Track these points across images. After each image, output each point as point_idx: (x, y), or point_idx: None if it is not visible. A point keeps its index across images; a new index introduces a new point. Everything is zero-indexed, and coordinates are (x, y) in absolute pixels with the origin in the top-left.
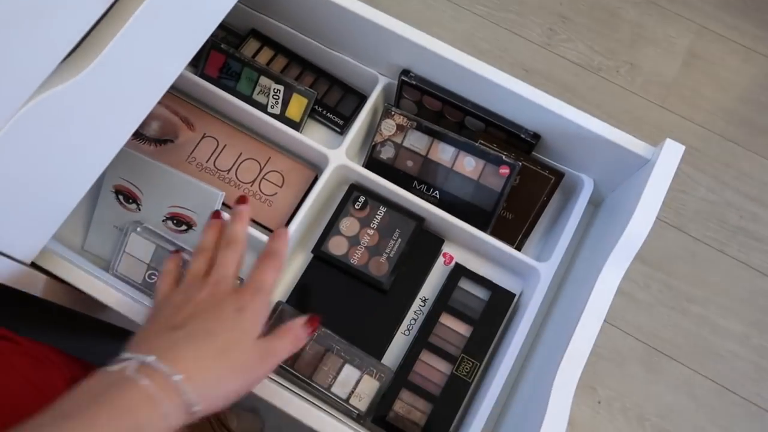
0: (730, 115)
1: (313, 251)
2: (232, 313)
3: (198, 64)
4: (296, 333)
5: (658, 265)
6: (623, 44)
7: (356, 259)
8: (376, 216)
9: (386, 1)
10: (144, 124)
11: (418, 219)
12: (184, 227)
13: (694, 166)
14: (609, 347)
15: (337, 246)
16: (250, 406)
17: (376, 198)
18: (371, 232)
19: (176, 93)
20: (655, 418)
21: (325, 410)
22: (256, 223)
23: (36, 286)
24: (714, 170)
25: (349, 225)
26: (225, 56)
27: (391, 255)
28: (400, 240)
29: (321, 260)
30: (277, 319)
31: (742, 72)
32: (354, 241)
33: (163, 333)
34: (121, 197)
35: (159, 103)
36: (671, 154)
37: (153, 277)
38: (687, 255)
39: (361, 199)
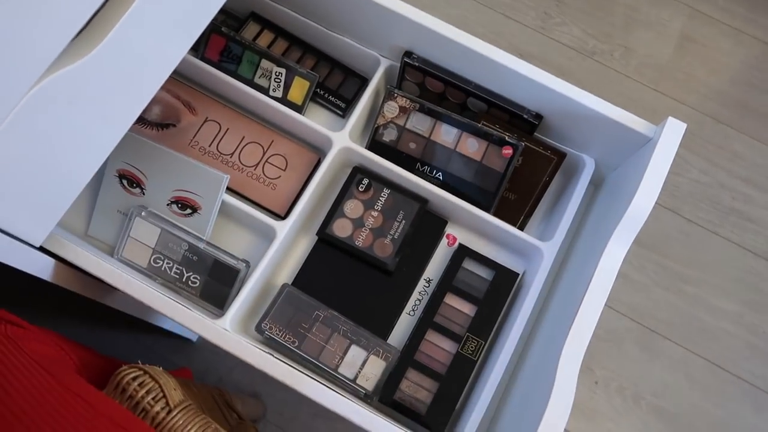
0: (722, 97)
1: (317, 234)
2: None
3: (198, 48)
4: None
5: (653, 247)
6: (617, 28)
7: (361, 241)
8: (380, 198)
9: None
10: (146, 108)
11: (422, 200)
12: (188, 211)
13: (688, 148)
14: (605, 328)
15: (341, 228)
16: (251, 392)
17: (379, 180)
18: (375, 214)
19: (178, 77)
20: (650, 397)
21: (331, 389)
22: (260, 206)
23: (46, 270)
24: (707, 152)
25: (353, 207)
26: (226, 39)
27: (395, 236)
28: (404, 221)
29: (325, 243)
30: (283, 300)
31: (733, 54)
32: (358, 223)
33: None
34: (125, 182)
35: (160, 87)
36: (673, 131)
37: (158, 261)
38: (681, 236)
39: (365, 181)
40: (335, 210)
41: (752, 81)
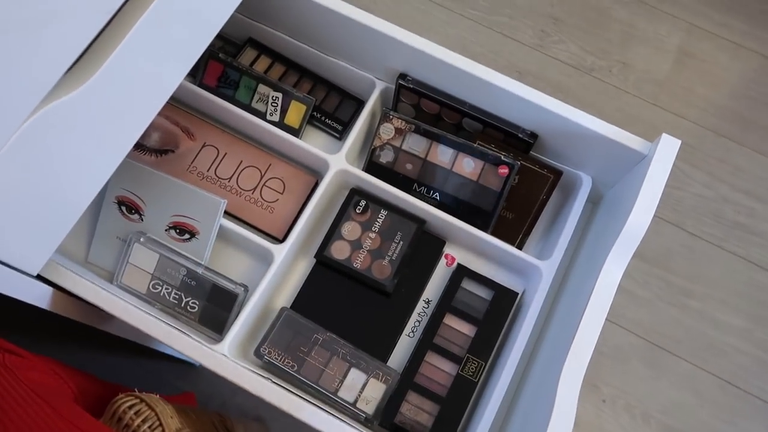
0: (722, 111)
1: (315, 256)
2: None
3: (196, 74)
4: None
5: (656, 262)
6: (614, 44)
7: (359, 263)
8: (378, 219)
9: (379, 7)
10: (144, 135)
11: (419, 221)
12: (187, 236)
13: (689, 163)
14: (610, 345)
15: (339, 250)
16: (255, 415)
17: (376, 201)
18: (373, 235)
19: (176, 103)
20: (659, 415)
21: (333, 414)
22: (258, 230)
23: (43, 298)
24: (708, 166)
25: (350, 229)
26: (223, 65)
27: (393, 258)
28: (401, 242)
29: (324, 265)
30: (282, 324)
31: (732, 68)
32: (356, 245)
33: None
34: (123, 208)
35: (159, 113)
36: (668, 147)
37: (157, 287)
38: (685, 251)
39: (362, 203)
40: (333, 232)
41: (751, 94)
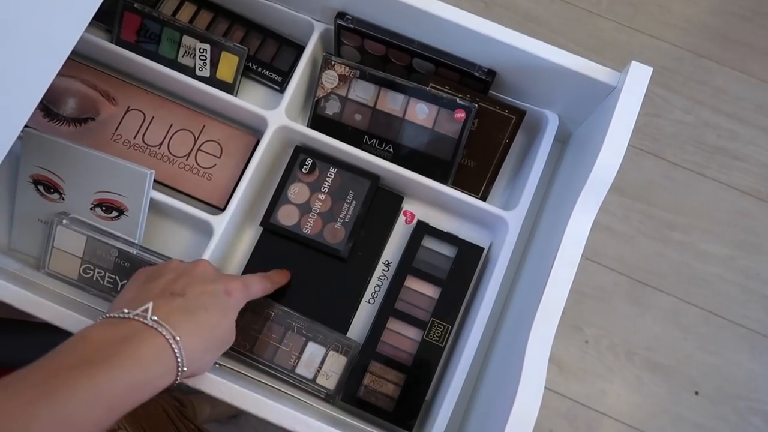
0: (700, 29)
1: (261, 224)
2: (222, 294)
3: (112, 29)
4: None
5: (637, 195)
6: None
7: (309, 228)
8: (326, 179)
9: None
10: (59, 102)
11: (373, 177)
12: (114, 213)
13: (668, 88)
14: (592, 285)
15: (287, 216)
16: None
17: (324, 159)
18: (322, 197)
19: (92, 64)
20: (643, 351)
21: (289, 395)
22: (197, 199)
23: None
24: (689, 90)
25: (297, 191)
26: (141, 17)
27: (346, 220)
28: (354, 202)
29: (272, 233)
30: None
31: None
32: (305, 208)
33: (164, 296)
34: (40, 187)
35: (73, 77)
36: (638, 77)
37: (88, 271)
38: (666, 181)
39: (308, 161)
40: (279, 196)
41: (730, 8)
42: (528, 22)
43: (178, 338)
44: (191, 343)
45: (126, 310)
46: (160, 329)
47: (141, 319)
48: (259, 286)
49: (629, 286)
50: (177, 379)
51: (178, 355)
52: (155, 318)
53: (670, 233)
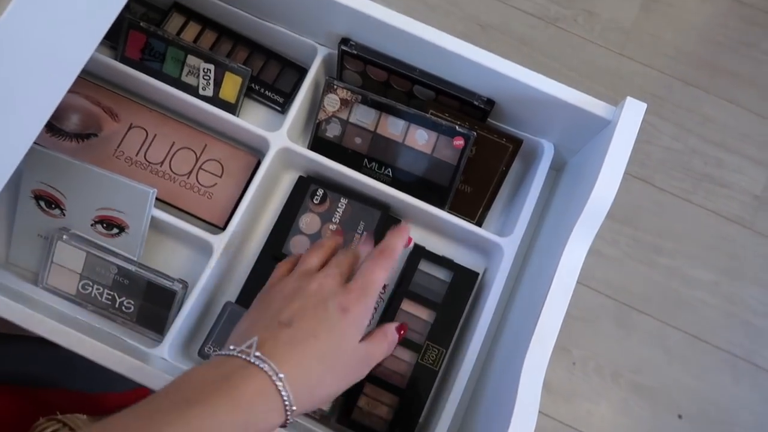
0: (690, 58)
1: (272, 253)
2: (337, 313)
3: (117, 46)
4: (392, 338)
5: (625, 219)
6: None
7: None
8: (338, 209)
9: None
10: (62, 118)
11: (383, 207)
12: (115, 230)
13: (657, 115)
14: (580, 306)
15: (298, 246)
16: None
17: (335, 189)
18: (334, 227)
19: (96, 81)
20: (629, 374)
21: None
22: (196, 218)
23: None
24: (677, 117)
25: (309, 222)
26: (146, 35)
27: None
28: (365, 233)
29: (275, 258)
30: (227, 321)
31: (700, 12)
32: (316, 238)
33: (271, 328)
34: (42, 203)
35: (77, 93)
36: (632, 113)
37: (87, 287)
38: (654, 206)
39: (320, 192)
40: (290, 226)
41: (719, 39)
42: (523, 47)
43: (282, 375)
44: (299, 379)
45: (232, 347)
46: (262, 365)
47: (244, 356)
48: (379, 272)
49: (616, 309)
50: (288, 419)
51: (283, 393)
52: (258, 354)
53: (657, 257)
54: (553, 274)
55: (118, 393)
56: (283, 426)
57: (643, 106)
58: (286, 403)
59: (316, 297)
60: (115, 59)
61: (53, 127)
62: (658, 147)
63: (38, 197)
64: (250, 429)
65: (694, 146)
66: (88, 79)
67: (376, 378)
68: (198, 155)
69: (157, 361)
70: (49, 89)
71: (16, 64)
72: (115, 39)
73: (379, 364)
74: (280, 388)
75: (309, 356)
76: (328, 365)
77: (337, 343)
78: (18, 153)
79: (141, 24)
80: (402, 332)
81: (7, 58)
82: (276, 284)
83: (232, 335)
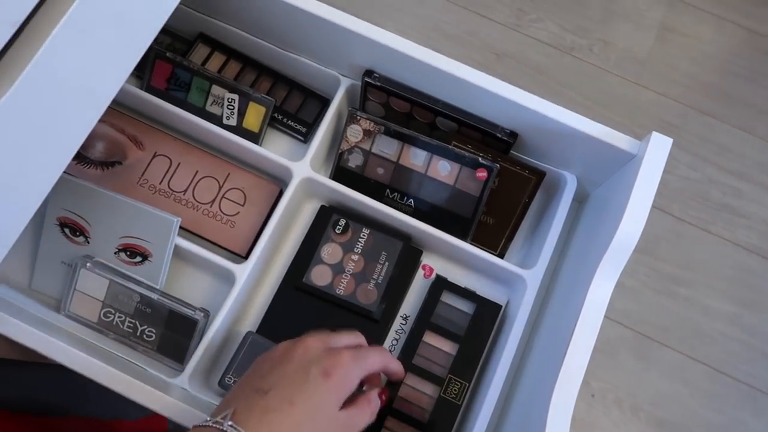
0: (705, 87)
1: (294, 283)
2: (318, 378)
3: (143, 75)
4: (375, 405)
5: (644, 249)
6: (594, 21)
7: (342, 288)
8: (360, 239)
9: None
10: (87, 146)
11: (405, 238)
12: (138, 259)
13: (674, 144)
14: (600, 338)
15: (320, 276)
16: None
17: (357, 219)
18: (356, 257)
19: (121, 109)
20: (649, 407)
21: None
22: (219, 246)
23: None
24: (693, 147)
25: (331, 252)
26: (172, 65)
27: (379, 281)
28: (387, 263)
29: (303, 292)
30: (249, 350)
31: (715, 43)
32: (338, 269)
33: (249, 396)
34: (67, 230)
35: (102, 121)
36: (658, 148)
37: (109, 315)
38: (672, 236)
39: (342, 222)
40: (312, 255)
41: (735, 69)
42: (538, 75)
43: None
44: None
45: (208, 418)
46: None
47: (219, 426)
48: (377, 358)
49: (635, 340)
50: None
51: None
52: (231, 423)
53: (676, 288)
54: (580, 310)
55: (132, 421)
56: None
57: (669, 141)
58: None
59: (298, 361)
60: (141, 88)
61: (78, 155)
62: (676, 176)
63: (63, 225)
64: None
65: (711, 175)
66: (114, 107)
67: (397, 411)
68: (221, 184)
69: (177, 390)
70: (80, 121)
71: (51, 97)
72: (141, 68)
73: (401, 398)
74: None
75: (283, 424)
76: None
77: (315, 410)
78: (48, 183)
79: (167, 54)
80: (383, 397)
81: (42, 93)
82: (271, 350)
83: (222, 401)
